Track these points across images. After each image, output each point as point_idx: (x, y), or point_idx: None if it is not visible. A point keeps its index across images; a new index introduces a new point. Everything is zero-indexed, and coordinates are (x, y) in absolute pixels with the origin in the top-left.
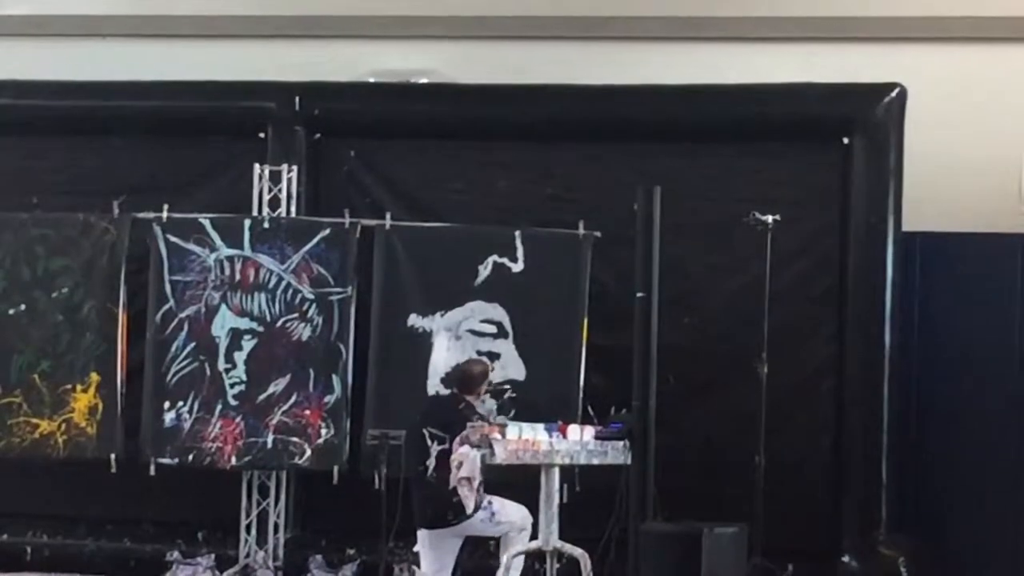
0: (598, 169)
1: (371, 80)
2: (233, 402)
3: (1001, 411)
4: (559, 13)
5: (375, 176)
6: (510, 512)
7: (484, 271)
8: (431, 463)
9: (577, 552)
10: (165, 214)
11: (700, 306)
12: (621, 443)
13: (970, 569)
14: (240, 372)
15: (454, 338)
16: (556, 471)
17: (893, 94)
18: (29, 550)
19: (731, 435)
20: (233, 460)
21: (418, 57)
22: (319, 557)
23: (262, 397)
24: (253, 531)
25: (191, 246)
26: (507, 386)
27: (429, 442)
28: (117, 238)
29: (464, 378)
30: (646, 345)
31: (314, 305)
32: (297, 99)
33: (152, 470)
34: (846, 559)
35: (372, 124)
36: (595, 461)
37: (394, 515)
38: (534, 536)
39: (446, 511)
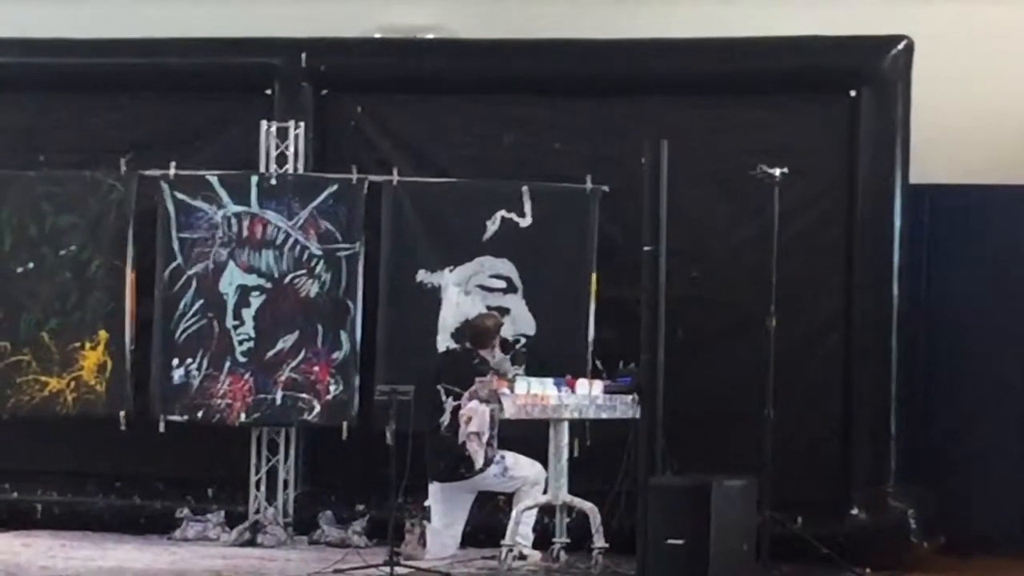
0: (605, 123)
1: (377, 36)
2: (242, 359)
3: (1009, 362)
4: None
5: (382, 132)
6: (523, 467)
7: (492, 226)
8: (445, 418)
9: (587, 506)
10: (172, 171)
11: (708, 259)
12: (629, 397)
13: (979, 521)
14: (248, 329)
15: (463, 293)
16: (565, 425)
17: (900, 46)
18: (39, 508)
19: (740, 388)
20: (242, 417)
21: (424, 12)
22: (329, 512)
23: (271, 354)
24: (263, 487)
25: (199, 203)
26: (520, 339)
27: (444, 397)
28: (124, 195)
29: (477, 333)
30: (654, 299)
31: (322, 261)
32: (303, 55)
33: (161, 427)
34: (855, 511)
35: (379, 80)
36: (604, 415)
37: (403, 470)
38: (545, 491)
39: (459, 465)
